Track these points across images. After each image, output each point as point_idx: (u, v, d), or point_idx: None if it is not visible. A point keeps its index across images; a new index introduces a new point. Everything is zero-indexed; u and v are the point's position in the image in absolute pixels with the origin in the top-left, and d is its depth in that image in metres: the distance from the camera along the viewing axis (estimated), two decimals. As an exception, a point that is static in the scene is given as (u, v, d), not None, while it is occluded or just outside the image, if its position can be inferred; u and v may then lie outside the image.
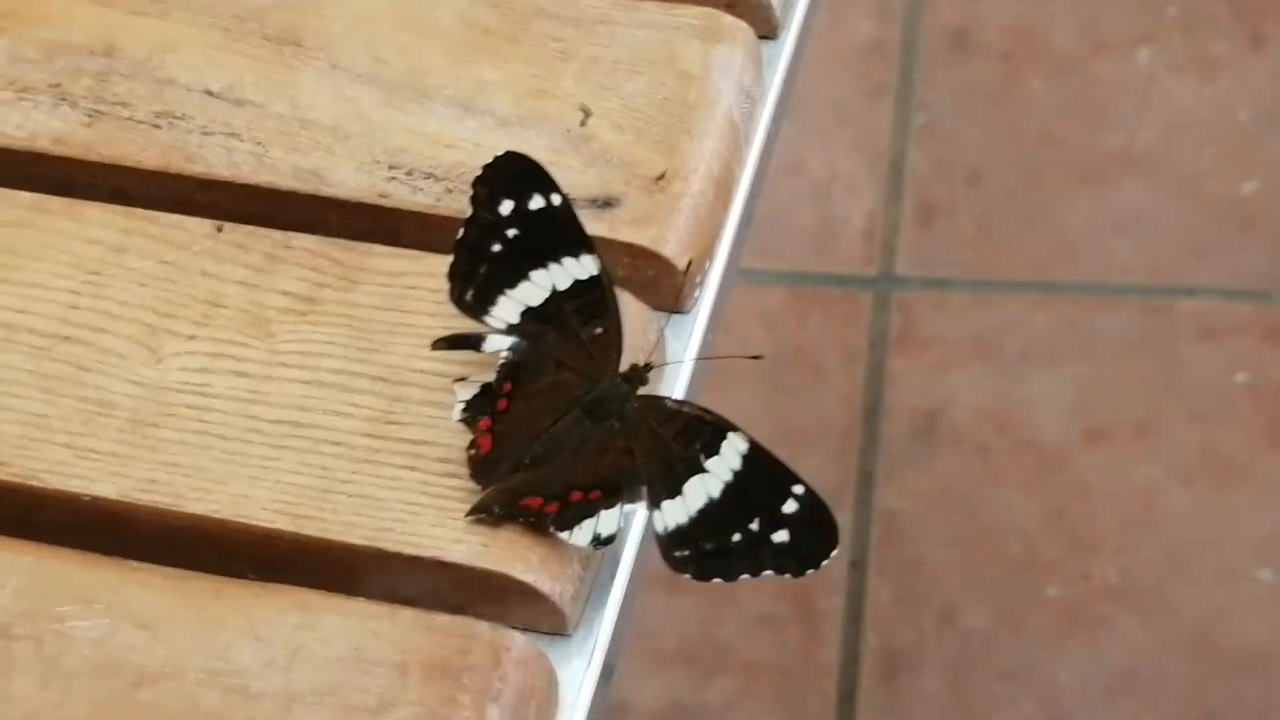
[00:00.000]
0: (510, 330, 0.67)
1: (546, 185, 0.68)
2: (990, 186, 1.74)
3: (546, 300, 0.68)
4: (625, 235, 0.71)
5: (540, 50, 0.76)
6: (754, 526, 0.65)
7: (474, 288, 0.67)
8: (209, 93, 0.75)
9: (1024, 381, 1.62)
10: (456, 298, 0.68)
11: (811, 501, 0.65)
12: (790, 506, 0.65)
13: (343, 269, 0.71)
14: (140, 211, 0.73)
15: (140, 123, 0.74)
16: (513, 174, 0.67)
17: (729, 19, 0.77)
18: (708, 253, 0.73)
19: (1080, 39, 1.80)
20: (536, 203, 0.68)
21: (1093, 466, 1.56)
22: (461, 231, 0.67)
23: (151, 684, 0.63)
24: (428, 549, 0.65)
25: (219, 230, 0.72)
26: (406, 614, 0.65)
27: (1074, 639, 1.47)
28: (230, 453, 0.68)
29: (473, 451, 0.66)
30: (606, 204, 0.72)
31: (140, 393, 0.69)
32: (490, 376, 0.67)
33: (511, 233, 0.67)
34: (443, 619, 0.64)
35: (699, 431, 0.66)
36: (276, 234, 0.72)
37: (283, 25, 0.76)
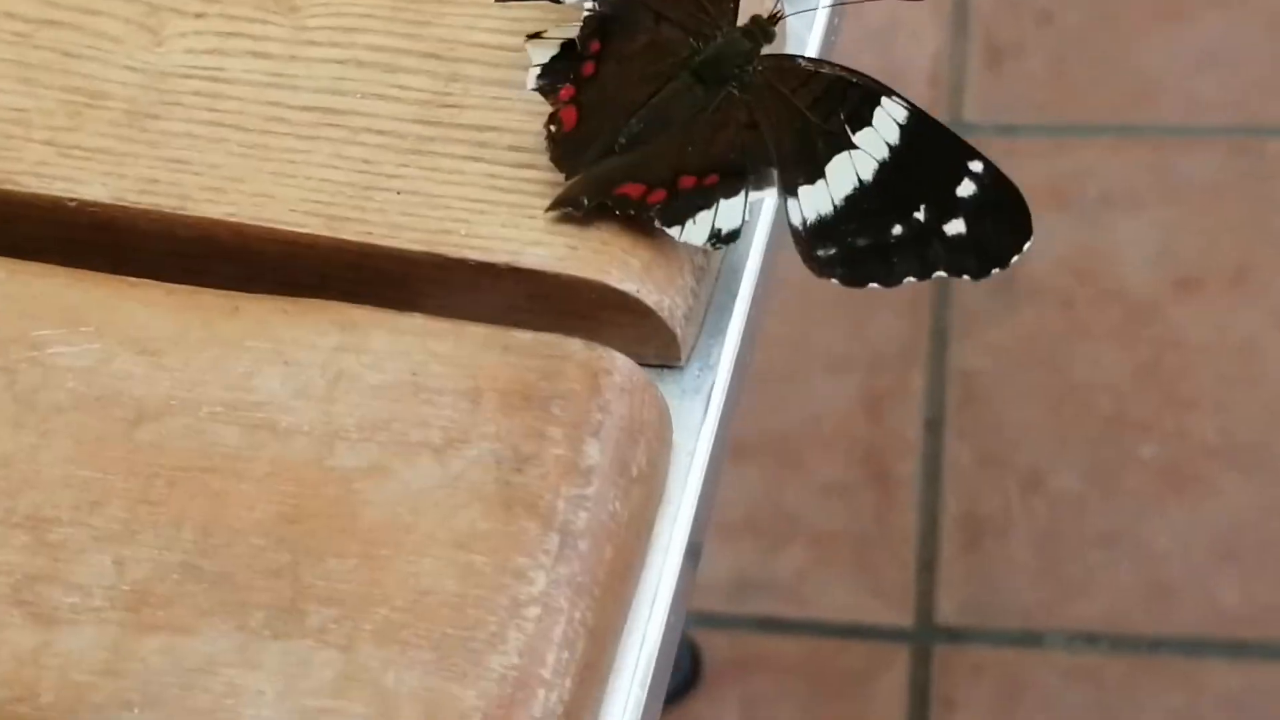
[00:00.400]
0: (594, -29, 0.53)
1: None
2: (1061, 25, 1.60)
3: None
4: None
5: None
6: (920, 215, 0.50)
7: None
8: None
9: (1107, 229, 1.48)
10: (523, -72, 0.53)
11: (994, 180, 0.51)
12: (966, 188, 0.50)
13: (382, -69, 0.57)
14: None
15: None
16: None
17: None
18: (832, -91, 0.59)
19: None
20: None
21: (1185, 317, 1.43)
22: None
23: (153, 420, 0.49)
24: (498, 253, 0.51)
25: (227, -107, 0.58)
26: (477, 330, 0.50)
27: (1173, 501, 1.34)
28: (249, 145, 0.53)
29: (553, 128, 0.52)
30: None
31: (138, 80, 0.54)
32: (573, 33, 0.52)
33: None
34: (523, 336, 0.50)
35: (843, 97, 0.52)
36: (295, -105, 0.58)
37: None
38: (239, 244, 0.52)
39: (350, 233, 0.52)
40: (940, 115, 1.67)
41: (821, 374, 1.43)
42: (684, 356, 0.52)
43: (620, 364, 0.50)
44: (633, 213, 0.51)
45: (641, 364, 0.51)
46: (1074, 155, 1.54)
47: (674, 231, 0.51)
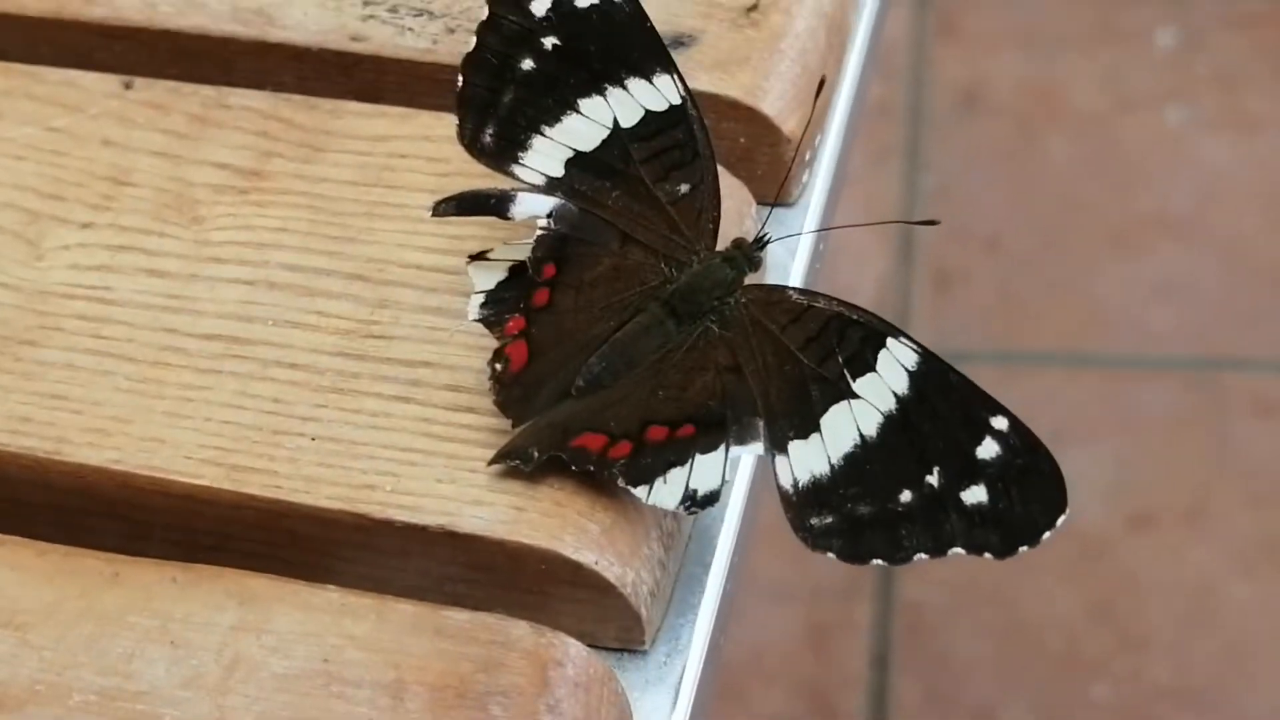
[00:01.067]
0: (551, 187, 0.44)
1: None
2: (1010, 252, 1.54)
3: (604, 143, 0.44)
4: (705, 83, 0.48)
5: None
6: (933, 480, 0.41)
7: (496, 124, 0.44)
8: (117, -83, 0.53)
9: (1060, 462, 1.40)
10: (470, 139, 0.44)
11: (1023, 441, 0.42)
12: (989, 449, 0.42)
13: (302, 133, 0.48)
14: (21, 67, 0.50)
15: (22, -43, 0.52)
16: None
17: None
18: (819, 122, 0.50)
19: (1101, 97, 1.61)
20: None
21: (1139, 554, 1.35)
22: (475, 43, 0.44)
23: (13, 710, 0.39)
24: (431, 514, 0.42)
25: (127, 87, 0.49)
26: (404, 609, 0.41)
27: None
28: (139, 380, 0.44)
29: (499, 366, 0.43)
30: (677, 43, 0.49)
31: (12, 300, 0.45)
32: (523, 254, 0.44)
33: (550, 42, 0.45)
34: (458, 616, 0.41)
35: (842, 337, 0.43)
36: (208, 90, 0.49)
37: None
38: (124, 497, 0.43)
39: (255, 486, 0.42)
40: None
41: (764, 604, 1.34)
42: (649, 639, 0.43)
43: (574, 653, 0.41)
44: (592, 469, 0.42)
45: (599, 647, 0.42)
46: (1025, 384, 1.47)
47: (640, 492, 0.42)
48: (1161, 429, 1.42)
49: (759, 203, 0.49)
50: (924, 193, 1.57)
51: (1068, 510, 0.41)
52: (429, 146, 0.47)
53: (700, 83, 0.49)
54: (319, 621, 0.41)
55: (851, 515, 0.41)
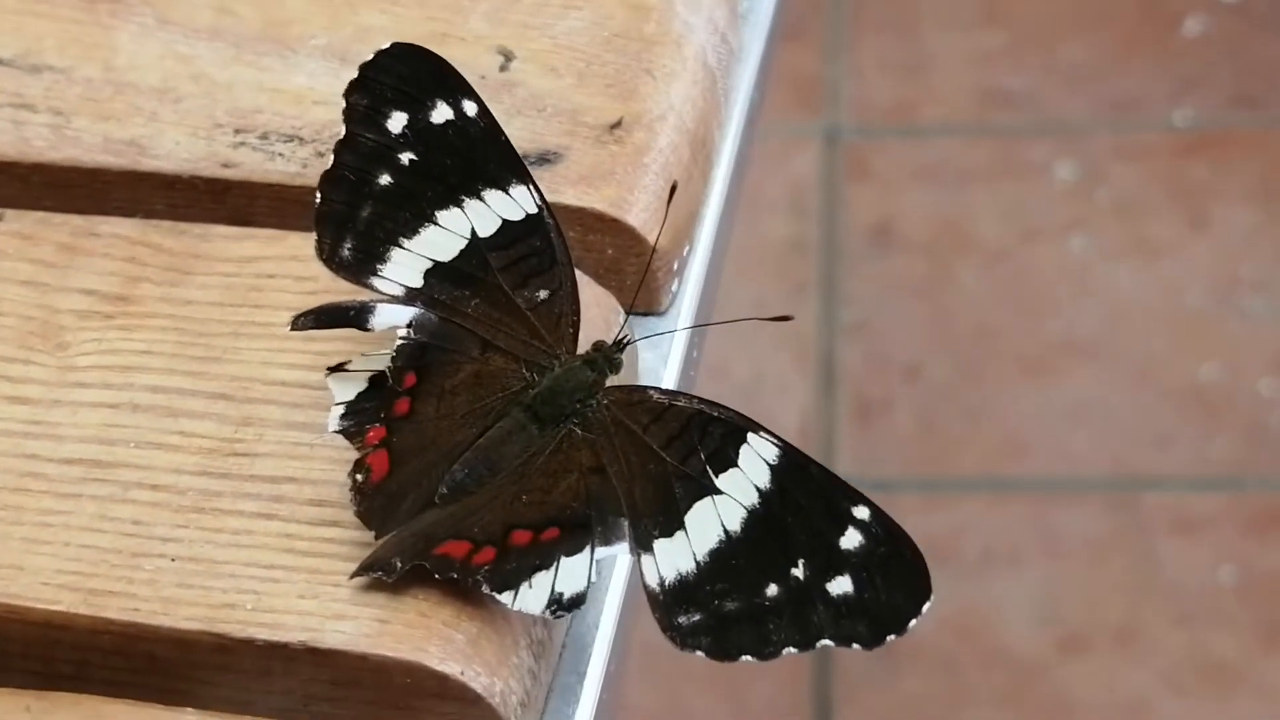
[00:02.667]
0: (411, 297, 0.42)
1: (454, 88, 0.43)
2: (929, 381, 1.52)
3: (463, 253, 0.43)
4: (572, 197, 0.47)
5: (441, -10, 0.53)
6: (798, 573, 0.39)
7: (354, 238, 0.42)
8: (-7, 59, 0.51)
9: (988, 587, 1.37)
10: (328, 254, 0.42)
11: (885, 530, 0.40)
12: (851, 539, 0.39)
13: (170, 258, 0.46)
14: (-115, 205, 0.48)
15: (-109, 97, 0.50)
16: (404, 75, 0.43)
17: (693, -52, 0.54)
18: (686, 232, 0.49)
19: (1007, 229, 1.61)
20: (441, 114, 0.43)
21: (1073, 678, 1.32)
22: (333, 161, 0.43)
23: None
24: (292, 630, 0.39)
25: (-5, 219, 0.48)
26: (261, 728, 0.39)
27: None
28: (-3, 507, 0.42)
29: (359, 477, 0.40)
30: (543, 159, 0.48)
31: None
32: (383, 364, 0.42)
33: (406, 158, 0.43)
34: (319, 736, 0.39)
35: (704, 434, 0.41)
36: (78, 220, 0.47)
37: (94, -23, 0.53)
38: (-23, 626, 0.41)
39: (113, 610, 0.40)
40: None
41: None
42: (521, 752, 0.40)
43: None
44: (455, 576, 0.39)
45: (470, 763, 0.40)
46: (950, 511, 1.44)
47: (506, 598, 0.39)
48: (1086, 550, 1.39)
49: (630, 312, 0.48)
50: (842, 325, 1.56)
51: (932, 597, 0.39)
52: (297, 266, 0.45)
53: (566, 197, 0.47)
54: (175, 748, 0.38)
55: (719, 612, 0.39)
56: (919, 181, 1.63)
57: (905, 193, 1.61)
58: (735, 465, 0.40)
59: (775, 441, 0.41)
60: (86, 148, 0.49)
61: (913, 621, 0.39)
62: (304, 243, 0.46)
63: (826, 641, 0.39)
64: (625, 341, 0.43)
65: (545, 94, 0.49)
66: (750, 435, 0.41)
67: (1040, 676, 1.31)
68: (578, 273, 0.46)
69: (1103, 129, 1.59)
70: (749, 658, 0.39)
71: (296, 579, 0.40)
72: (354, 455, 0.41)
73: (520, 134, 0.48)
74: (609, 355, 0.42)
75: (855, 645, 0.39)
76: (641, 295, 0.48)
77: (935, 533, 1.40)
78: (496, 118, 0.48)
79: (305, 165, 0.48)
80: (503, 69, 0.50)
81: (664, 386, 0.46)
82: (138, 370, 0.44)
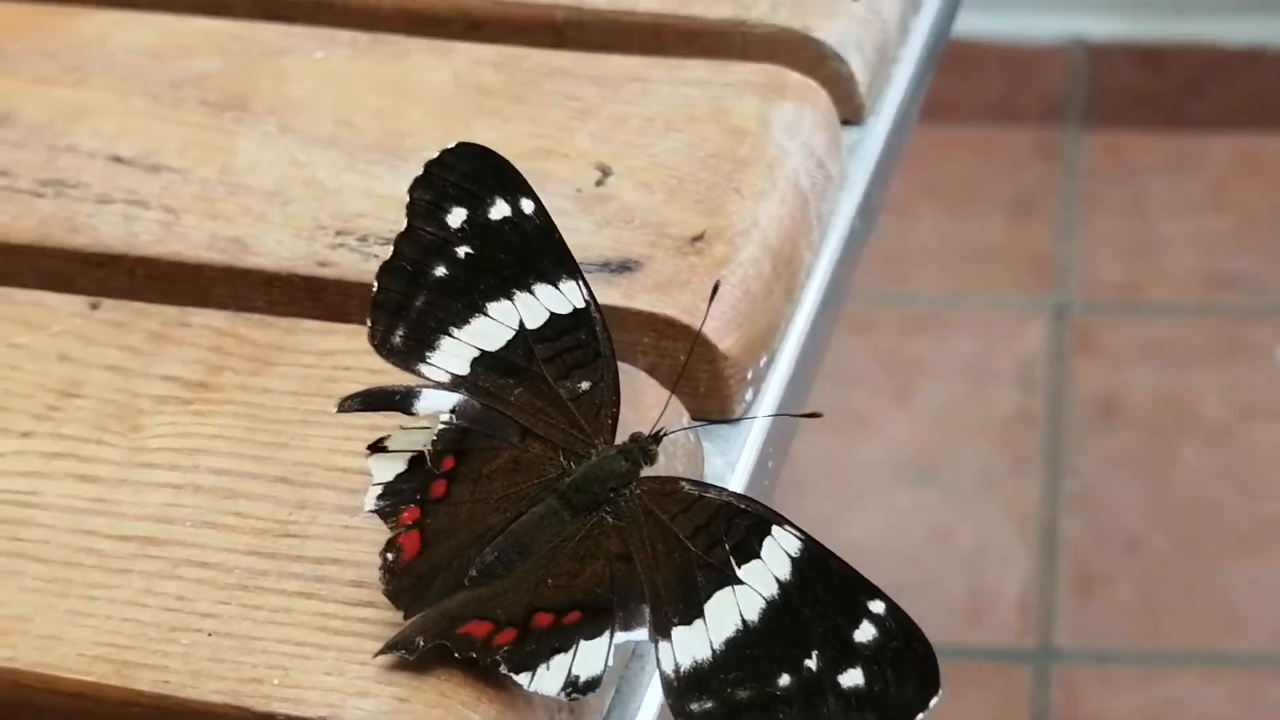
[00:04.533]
0: (456, 384, 0.41)
1: (513, 187, 0.42)
2: (1149, 554, 1.47)
3: (510, 343, 0.41)
4: (646, 303, 0.45)
5: (551, 110, 0.51)
6: (811, 664, 0.37)
7: (405, 325, 0.41)
8: (117, 159, 0.51)
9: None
10: (380, 340, 0.41)
11: (898, 625, 0.37)
12: (865, 632, 0.37)
13: (254, 349, 0.46)
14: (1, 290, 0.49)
15: (20, 192, 0.50)
16: (467, 172, 0.42)
17: (796, 75, 0.52)
18: (765, 344, 0.47)
19: (1229, 407, 1.55)
20: (499, 211, 0.42)
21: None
22: (392, 252, 0.42)
23: None
24: (314, 706, 0.38)
25: (94, 308, 0.48)
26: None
27: None
28: (47, 579, 0.41)
29: (390, 556, 0.39)
30: (623, 267, 0.47)
31: (-62, 502, 0.43)
32: (423, 444, 0.40)
33: (463, 252, 0.42)
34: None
35: (729, 526, 0.39)
36: (171, 310, 0.47)
37: (227, 90, 0.53)
38: (14, 696, 0.39)
39: (144, 682, 0.39)
40: (1030, 642, 1.51)
41: None
42: None
43: None
44: (475, 656, 0.37)
45: None
46: (1167, 684, 1.38)
47: (523, 679, 0.37)
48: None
49: (703, 419, 0.46)
50: (1065, 497, 1.52)
51: (941, 691, 0.37)
52: (374, 360, 0.44)
53: (640, 303, 0.46)
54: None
55: (731, 699, 0.37)
56: (1144, 358, 1.58)
57: (1131, 368, 1.56)
58: (757, 556, 0.38)
59: (798, 534, 0.39)
60: (192, 244, 0.49)
61: (920, 715, 0.37)
62: (382, 339, 0.46)
63: None
64: (661, 434, 0.41)
65: (635, 207, 0.48)
66: (775, 528, 0.39)
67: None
68: (645, 375, 0.45)
69: (1325, 312, 1.54)
70: None
71: (326, 656, 0.39)
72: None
73: (606, 243, 0.47)
74: (644, 447, 0.40)
75: None
76: (714, 403, 0.46)
77: (1152, 705, 1.34)
78: (588, 228, 0.48)
79: (395, 266, 0.47)
80: (599, 183, 0.49)
81: (697, 479, 0.44)
82: (205, 453, 0.43)
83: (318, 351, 0.46)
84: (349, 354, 0.45)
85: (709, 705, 0.37)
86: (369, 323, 0.42)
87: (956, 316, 1.52)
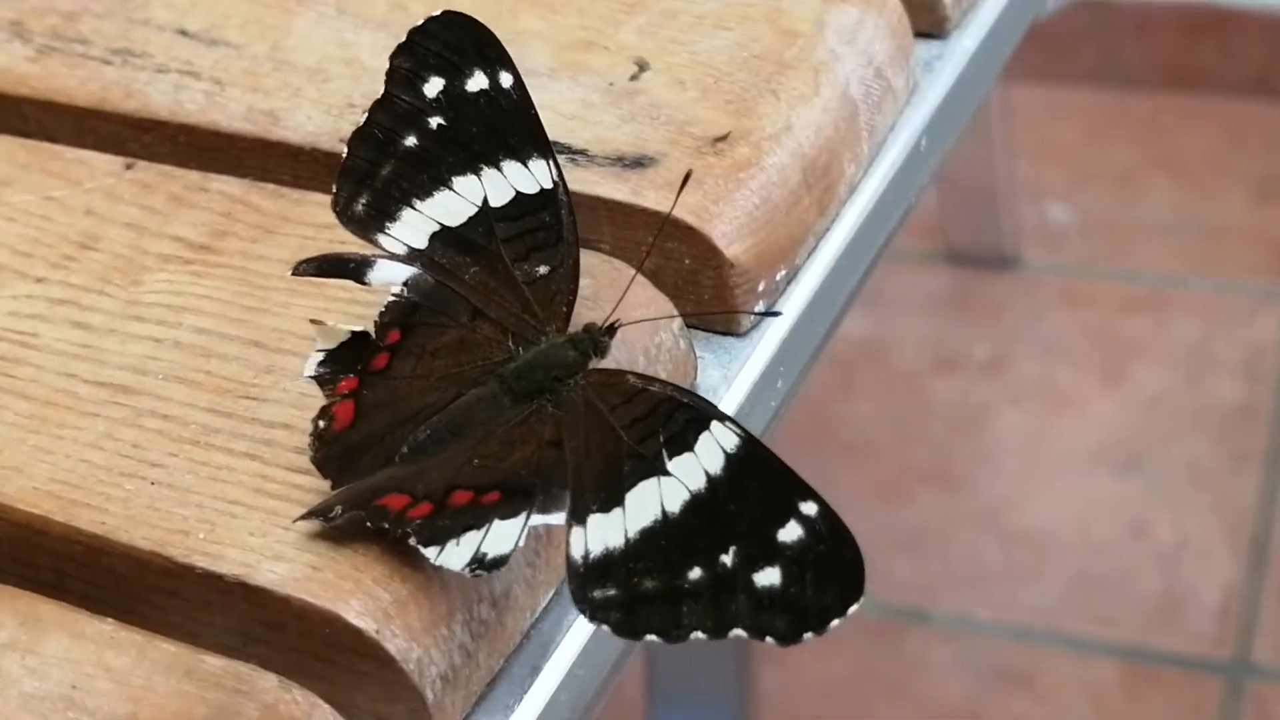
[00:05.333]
0: (412, 257, 0.40)
1: (494, 59, 0.41)
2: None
3: (472, 219, 0.40)
4: (652, 200, 0.44)
5: (601, 3, 0.51)
6: (727, 559, 0.36)
7: (369, 194, 0.41)
8: (183, 32, 0.52)
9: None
10: (343, 207, 0.41)
11: (828, 528, 0.35)
12: (791, 532, 0.35)
13: (260, 216, 0.46)
14: (48, 146, 0.49)
15: (92, 59, 0.51)
16: (449, 42, 0.41)
17: (867, -18, 0.50)
18: (782, 256, 0.45)
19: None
20: (476, 82, 0.41)
21: None
22: (365, 119, 0.41)
23: None
24: (230, 564, 0.38)
25: (128, 168, 0.48)
26: (165, 648, 0.37)
27: None
28: (25, 415, 0.42)
29: (322, 424, 0.38)
30: (637, 163, 0.45)
31: (-55, 335, 0.44)
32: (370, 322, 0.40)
33: (435, 122, 0.41)
34: (214, 662, 0.36)
35: (668, 419, 0.37)
36: (194, 175, 0.47)
37: (299, -28, 0.54)
38: (-32, 520, 0.41)
39: (84, 521, 0.39)
40: (1225, 653, 1.43)
41: None
42: (441, 733, 0.37)
43: (317, 715, 0.36)
44: (387, 527, 0.37)
45: (394, 737, 0.37)
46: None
47: (430, 552, 0.36)
48: None
49: (710, 330, 0.45)
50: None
51: (861, 599, 0.35)
52: (372, 237, 0.44)
53: (648, 200, 0.44)
54: (83, 649, 0.37)
55: (635, 589, 0.36)
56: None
57: (1366, 370, 1.47)
58: (690, 450, 0.37)
59: (739, 432, 0.37)
60: (229, 114, 0.49)
61: (835, 621, 0.35)
62: (386, 216, 0.45)
63: (739, 631, 0.35)
64: (615, 325, 0.39)
65: (664, 104, 0.47)
66: (714, 424, 0.37)
67: None
68: (639, 274, 0.43)
69: None
70: (655, 637, 0.35)
71: (253, 517, 0.39)
72: (329, 404, 0.40)
73: (625, 138, 0.46)
74: (595, 337, 0.39)
75: (770, 639, 0.35)
76: (716, 319, 0.44)
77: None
78: (610, 121, 0.46)
79: (414, 147, 0.47)
80: (633, 78, 0.48)
81: (637, 372, 0.42)
82: (191, 312, 0.44)
83: (319, 224, 0.45)
84: (349, 228, 0.45)
85: (612, 593, 0.36)
86: (334, 189, 0.41)
87: (1182, 298, 1.44)
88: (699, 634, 0.35)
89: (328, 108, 0.48)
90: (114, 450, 0.41)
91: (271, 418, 0.41)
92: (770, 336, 0.45)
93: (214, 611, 0.38)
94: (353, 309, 0.43)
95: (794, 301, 0.46)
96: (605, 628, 0.36)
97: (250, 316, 0.43)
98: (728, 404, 0.44)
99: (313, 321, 0.40)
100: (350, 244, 0.44)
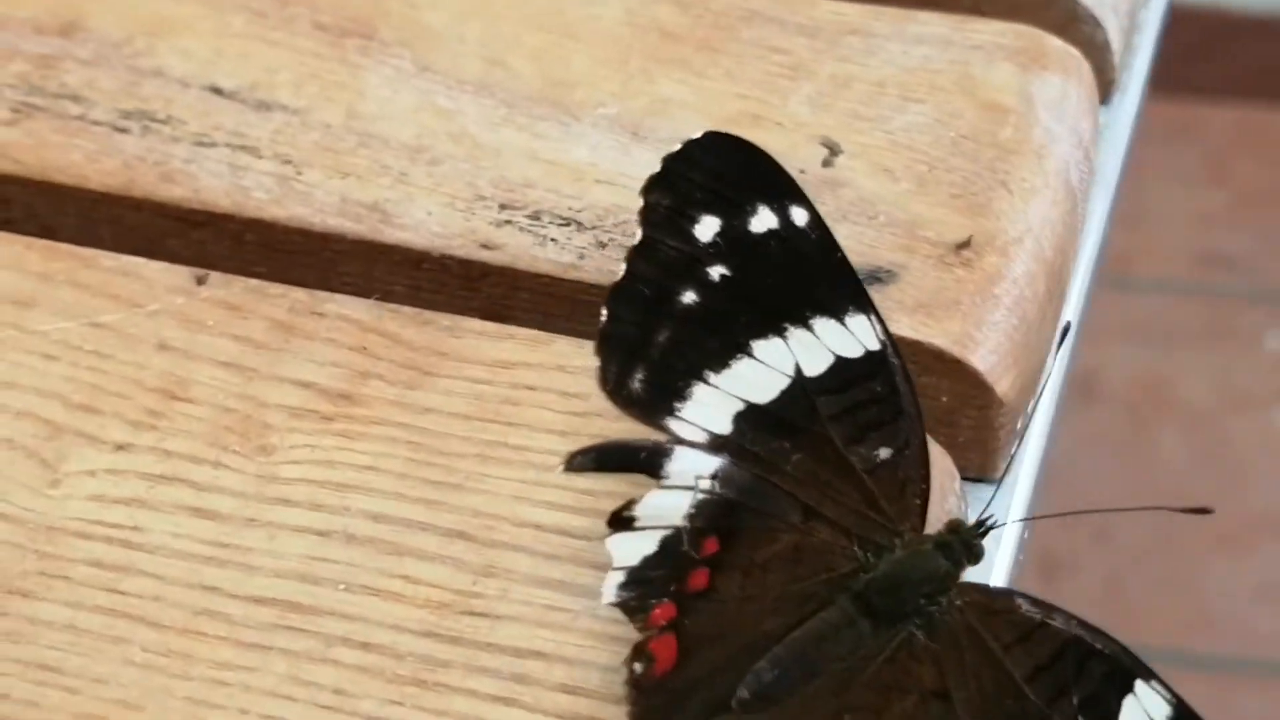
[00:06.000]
0: (715, 445, 0.32)
1: (781, 191, 0.33)
2: (1119, 543, 1.40)
3: (784, 393, 0.32)
4: (905, 327, 0.36)
5: (753, 64, 0.41)
6: None
7: (646, 367, 0.32)
8: (216, 90, 0.40)
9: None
10: (614, 384, 0.32)
11: None
12: None
13: (408, 353, 0.36)
14: (70, 249, 0.38)
15: (97, 124, 0.40)
16: (719, 171, 0.32)
17: (1056, 41, 0.43)
18: (1034, 384, 0.37)
19: (1212, 394, 1.48)
20: (763, 221, 0.32)
21: None
22: (624, 271, 0.32)
23: None
24: None
25: (200, 282, 0.37)
26: None
27: None
28: (160, 653, 0.31)
29: (639, 667, 0.29)
30: (873, 277, 0.37)
31: (11, 535, 0.32)
32: (678, 521, 0.31)
33: (718, 273, 0.32)
34: None
35: (1080, 671, 0.30)
36: (300, 294, 0.37)
37: (347, 11, 0.43)
38: (119, 808, 0.30)
39: (300, 810, 0.29)
40: None
41: None
42: None
43: None
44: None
45: None
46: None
47: None
48: (1267, 737, 1.26)
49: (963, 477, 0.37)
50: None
51: None
52: (563, 379, 0.35)
53: (899, 326, 0.36)
54: None
55: None
56: (1127, 335, 1.50)
57: (1112, 345, 1.48)
58: (1114, 716, 0.29)
59: (1169, 698, 0.30)
60: (318, 207, 0.38)
61: None
62: (573, 350, 0.35)
63: None
64: (990, 525, 0.31)
65: (878, 199, 0.38)
66: (1139, 684, 0.30)
67: None
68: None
69: (1318, 303, 1.46)
70: None
71: (539, 793, 0.29)
72: (625, 633, 0.30)
73: (845, 243, 0.37)
74: (968, 542, 0.31)
75: None
76: (975, 456, 0.36)
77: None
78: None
79: (582, 255, 0.37)
80: (826, 164, 0.39)
81: (997, 580, 0.34)
82: (357, 490, 0.33)
83: (490, 363, 0.35)
84: (531, 368, 0.35)
85: None
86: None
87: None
88: None
89: (450, 199, 0.38)
90: (308, 700, 0.30)
91: (516, 642, 0.31)
92: (1023, 479, 0.37)
93: None
94: (573, 483, 0.33)
95: (1035, 433, 0.38)
96: None
97: (440, 495, 0.33)
98: (999, 570, 0.36)
99: (610, 522, 0.30)
100: (556, 392, 0.34)
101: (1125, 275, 1.51)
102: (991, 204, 0.38)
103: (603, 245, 0.37)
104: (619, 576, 0.30)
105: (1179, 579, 1.36)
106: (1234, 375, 1.48)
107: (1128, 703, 0.30)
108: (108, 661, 0.31)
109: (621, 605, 0.30)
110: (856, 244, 0.37)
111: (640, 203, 0.33)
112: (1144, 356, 1.50)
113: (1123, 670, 0.30)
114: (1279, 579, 1.35)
